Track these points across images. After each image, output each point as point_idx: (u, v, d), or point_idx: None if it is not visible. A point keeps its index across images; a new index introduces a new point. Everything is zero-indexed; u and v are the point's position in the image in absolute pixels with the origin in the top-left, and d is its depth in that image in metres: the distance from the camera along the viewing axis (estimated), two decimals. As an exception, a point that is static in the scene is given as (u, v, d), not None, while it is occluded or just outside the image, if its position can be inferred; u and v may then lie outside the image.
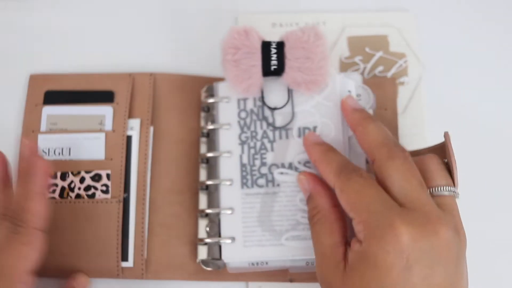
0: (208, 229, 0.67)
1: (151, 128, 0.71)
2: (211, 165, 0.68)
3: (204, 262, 0.67)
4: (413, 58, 0.76)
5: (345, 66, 0.76)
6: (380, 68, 0.75)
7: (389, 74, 0.75)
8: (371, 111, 0.69)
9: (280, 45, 0.64)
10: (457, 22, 0.78)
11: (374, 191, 0.55)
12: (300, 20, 0.75)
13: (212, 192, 0.67)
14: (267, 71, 0.64)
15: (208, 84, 0.71)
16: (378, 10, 0.77)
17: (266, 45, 0.64)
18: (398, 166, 0.55)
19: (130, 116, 0.71)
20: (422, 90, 0.74)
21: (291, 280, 0.67)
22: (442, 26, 0.78)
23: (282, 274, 0.67)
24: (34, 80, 0.72)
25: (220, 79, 0.69)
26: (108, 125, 0.70)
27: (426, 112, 0.73)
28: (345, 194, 0.56)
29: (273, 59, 0.63)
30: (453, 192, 0.57)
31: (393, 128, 0.70)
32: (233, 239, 0.65)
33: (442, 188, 0.56)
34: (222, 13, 0.77)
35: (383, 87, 0.72)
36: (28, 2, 0.77)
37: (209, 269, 0.67)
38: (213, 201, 0.67)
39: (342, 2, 0.77)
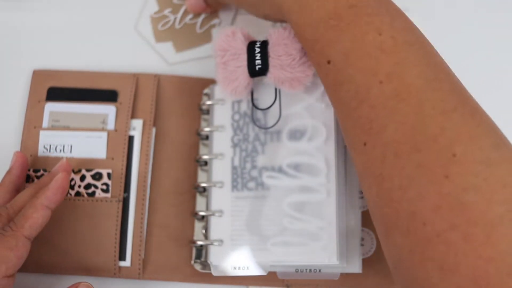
0: (204, 231, 0.67)
1: (154, 129, 0.71)
2: (208, 167, 0.68)
3: (200, 263, 0.67)
4: None
5: (156, 21, 0.76)
6: (190, 15, 0.75)
7: (199, 20, 0.75)
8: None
9: (264, 44, 0.63)
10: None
11: None
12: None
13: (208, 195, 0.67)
14: (252, 72, 0.63)
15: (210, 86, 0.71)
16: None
17: (251, 45, 0.63)
18: None
19: (133, 116, 0.71)
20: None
21: (287, 286, 0.67)
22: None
23: (279, 279, 0.67)
24: (38, 76, 0.72)
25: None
26: (111, 125, 0.70)
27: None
28: None
29: (257, 58, 0.63)
30: None
31: None
32: (221, 242, 0.65)
33: None
34: (221, 13, 0.77)
35: None
36: (29, 8, 0.77)
37: (204, 271, 0.67)
38: (209, 203, 0.67)
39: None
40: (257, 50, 0.63)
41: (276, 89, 0.65)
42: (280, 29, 0.63)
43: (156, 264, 0.68)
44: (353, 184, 0.65)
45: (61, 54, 0.75)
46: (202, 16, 0.76)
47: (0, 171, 0.69)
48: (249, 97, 0.66)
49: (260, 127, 0.65)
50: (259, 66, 0.63)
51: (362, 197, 0.66)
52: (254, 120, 0.65)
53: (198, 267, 0.67)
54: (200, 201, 0.68)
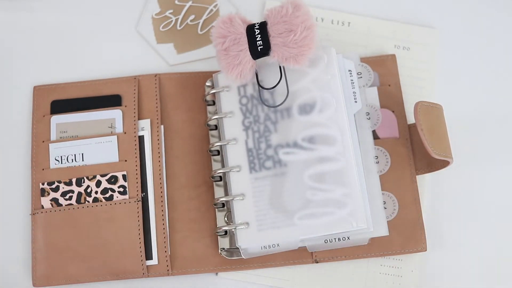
0: (226, 219, 0.68)
1: (162, 127, 0.71)
2: (223, 156, 0.68)
3: (227, 251, 0.67)
4: (224, 0, 0.77)
5: (157, 22, 0.77)
6: (192, 17, 0.76)
7: (201, 21, 0.76)
8: (374, 88, 0.71)
9: (263, 25, 0.64)
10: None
11: None
12: (326, 16, 0.76)
13: (227, 182, 0.68)
14: (255, 53, 0.64)
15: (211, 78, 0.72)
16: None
17: (250, 28, 0.64)
18: None
19: (140, 117, 0.71)
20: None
21: (316, 261, 0.68)
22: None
23: (307, 255, 0.68)
24: (39, 91, 0.73)
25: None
26: (119, 128, 0.70)
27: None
28: None
29: (258, 39, 0.64)
30: None
31: (399, 102, 0.71)
32: (247, 224, 0.65)
33: None
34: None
35: (385, 65, 0.72)
36: (29, 9, 0.77)
37: (232, 258, 0.67)
38: (228, 191, 0.67)
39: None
40: (257, 31, 0.64)
41: (280, 67, 0.66)
42: (277, 7, 0.64)
43: (184, 258, 0.68)
44: (367, 150, 0.67)
45: (62, 56, 0.76)
46: (204, 17, 0.77)
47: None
48: (254, 80, 0.67)
49: (269, 106, 0.66)
50: (261, 47, 0.63)
51: (378, 162, 0.68)
52: (263, 101, 0.66)
53: (225, 254, 0.67)
54: (218, 191, 0.69)
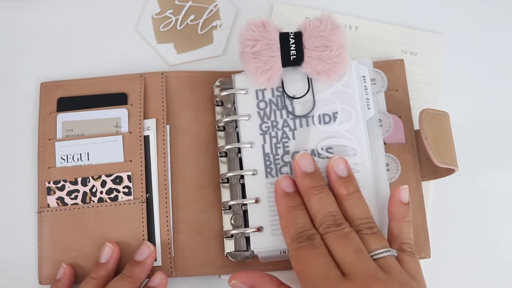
0: (233, 221, 0.68)
1: (167, 127, 0.71)
2: (230, 158, 0.69)
3: (231, 254, 0.68)
4: (224, 0, 0.77)
5: (157, 22, 0.77)
6: (192, 17, 0.77)
7: (201, 21, 0.76)
8: (382, 94, 0.71)
9: (298, 35, 0.65)
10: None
11: (321, 261, 0.57)
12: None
13: (234, 185, 0.68)
14: (286, 61, 0.65)
15: (220, 78, 0.72)
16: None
17: (284, 36, 0.65)
18: (334, 238, 0.58)
19: (145, 116, 0.71)
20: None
21: None
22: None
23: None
24: (45, 88, 0.72)
25: (230, 73, 0.70)
26: (124, 127, 0.70)
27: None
28: (294, 261, 0.58)
29: (292, 49, 0.65)
30: (391, 252, 0.58)
31: (406, 107, 0.71)
32: (261, 228, 0.65)
33: (379, 251, 0.58)
34: (222, 14, 0.77)
35: (392, 69, 0.73)
36: (31, 9, 0.77)
37: (237, 261, 0.67)
38: (235, 193, 0.68)
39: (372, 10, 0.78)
40: (292, 41, 0.65)
41: (308, 78, 0.67)
42: (315, 21, 0.65)
43: (187, 260, 0.69)
44: (378, 157, 0.67)
45: (60, 56, 0.75)
46: (204, 17, 0.76)
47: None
48: (274, 85, 0.67)
49: (295, 115, 0.67)
50: (294, 57, 0.65)
51: (388, 169, 0.67)
52: (287, 108, 0.67)
53: (232, 257, 0.67)
54: (225, 192, 0.69)
